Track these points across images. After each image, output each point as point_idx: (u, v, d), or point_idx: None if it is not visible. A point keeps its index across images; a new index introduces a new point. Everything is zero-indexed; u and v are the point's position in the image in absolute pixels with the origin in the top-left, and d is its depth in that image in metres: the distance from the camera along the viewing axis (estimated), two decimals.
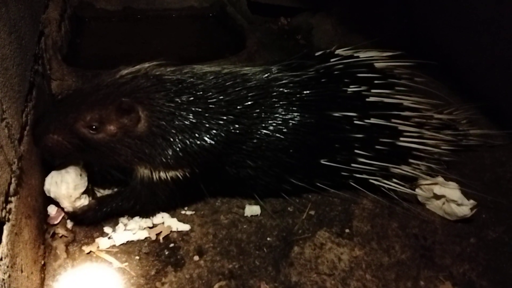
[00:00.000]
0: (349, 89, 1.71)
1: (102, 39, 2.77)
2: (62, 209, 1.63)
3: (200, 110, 1.56)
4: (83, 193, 1.61)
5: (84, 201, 1.62)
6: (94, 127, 1.49)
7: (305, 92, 1.68)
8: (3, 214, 1.17)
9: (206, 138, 1.56)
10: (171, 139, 1.53)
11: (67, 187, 1.56)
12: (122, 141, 1.52)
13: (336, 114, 1.68)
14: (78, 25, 2.76)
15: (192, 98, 1.56)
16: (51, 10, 2.27)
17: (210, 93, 1.59)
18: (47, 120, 1.52)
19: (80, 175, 1.59)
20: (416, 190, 1.80)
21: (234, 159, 1.63)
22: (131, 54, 2.57)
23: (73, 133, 1.50)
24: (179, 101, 1.54)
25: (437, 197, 1.75)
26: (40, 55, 1.89)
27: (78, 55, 2.51)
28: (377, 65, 1.80)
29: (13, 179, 1.29)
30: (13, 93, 1.38)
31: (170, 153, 1.54)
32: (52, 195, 1.58)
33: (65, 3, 2.56)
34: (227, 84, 1.63)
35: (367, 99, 1.72)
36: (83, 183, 1.60)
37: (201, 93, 1.58)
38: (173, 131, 1.53)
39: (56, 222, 1.62)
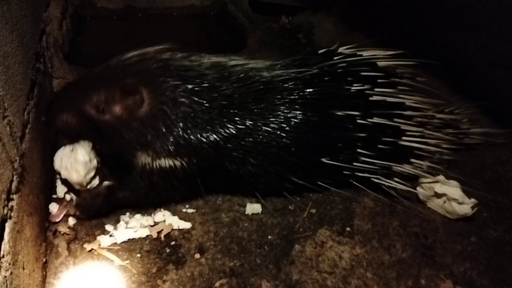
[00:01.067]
0: (352, 88, 1.71)
1: (103, 37, 2.77)
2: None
3: (203, 100, 1.56)
4: (94, 175, 1.63)
5: (95, 181, 1.64)
6: (100, 108, 1.51)
7: (308, 90, 1.68)
8: (5, 212, 1.18)
9: (206, 129, 1.56)
10: (172, 125, 1.53)
11: (78, 175, 1.58)
12: (126, 124, 1.53)
13: (339, 113, 1.68)
14: (79, 24, 2.76)
15: (197, 88, 1.56)
16: (53, 9, 2.27)
17: (215, 85, 1.59)
18: (58, 101, 1.56)
19: (90, 160, 1.59)
20: (417, 188, 1.80)
21: (234, 154, 1.62)
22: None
23: (81, 114, 1.52)
24: (184, 88, 1.55)
25: (438, 195, 1.75)
26: (42, 53, 1.89)
27: (79, 53, 2.52)
28: (380, 64, 1.80)
29: (15, 177, 1.29)
30: (15, 91, 1.39)
31: (170, 139, 1.54)
32: (62, 176, 1.60)
33: (66, 1, 2.56)
34: (232, 78, 1.63)
35: (370, 98, 1.72)
36: (93, 168, 1.61)
37: (206, 83, 1.58)
38: (175, 117, 1.53)
39: (57, 220, 1.63)
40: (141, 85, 1.50)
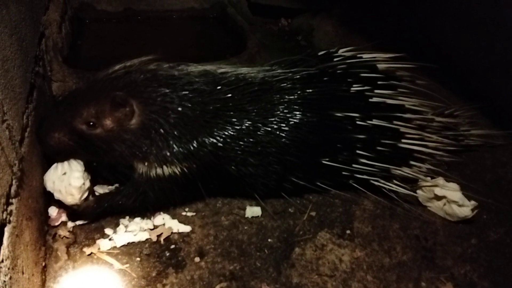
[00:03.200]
0: (351, 89, 1.71)
1: (102, 40, 2.78)
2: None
3: (195, 105, 1.56)
4: (87, 194, 1.62)
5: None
6: (91, 123, 1.50)
7: (307, 90, 1.68)
8: (4, 216, 1.17)
9: (202, 134, 1.57)
10: (166, 134, 1.54)
11: (73, 199, 1.57)
12: (119, 137, 1.53)
13: (338, 114, 1.68)
14: (78, 27, 2.76)
15: (187, 94, 1.57)
16: (52, 12, 2.27)
17: (205, 90, 1.59)
18: (48, 120, 1.55)
19: (83, 183, 1.58)
20: (417, 191, 1.80)
21: (233, 155, 1.62)
22: (131, 55, 2.57)
23: (72, 131, 1.52)
24: (174, 96, 1.55)
25: (438, 198, 1.75)
26: (41, 56, 1.89)
27: (78, 56, 2.51)
28: (380, 66, 1.80)
29: (14, 181, 1.29)
30: (14, 94, 1.38)
31: (166, 148, 1.54)
32: (55, 197, 1.58)
33: (65, 4, 2.56)
34: (223, 82, 1.63)
35: (370, 100, 1.72)
36: (86, 189, 1.60)
37: (196, 90, 1.58)
38: (167, 125, 1.54)
39: (57, 224, 1.62)
40: (130, 97, 1.50)
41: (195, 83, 1.59)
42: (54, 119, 1.54)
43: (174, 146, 1.55)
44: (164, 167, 1.57)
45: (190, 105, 1.56)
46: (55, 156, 1.59)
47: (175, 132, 1.54)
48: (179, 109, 1.55)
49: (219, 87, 1.61)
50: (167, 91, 1.55)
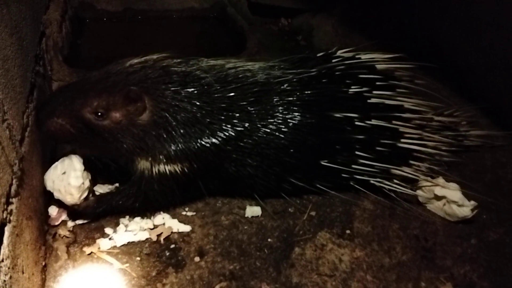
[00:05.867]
0: (350, 90, 1.71)
1: (102, 40, 2.78)
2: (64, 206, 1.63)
3: (203, 104, 1.57)
4: (87, 193, 1.62)
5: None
6: (100, 113, 1.50)
7: (306, 91, 1.68)
8: (4, 216, 1.17)
9: (206, 133, 1.57)
10: (173, 132, 1.54)
11: (72, 198, 1.57)
12: (126, 130, 1.53)
13: (337, 115, 1.68)
14: (79, 26, 2.77)
15: (196, 91, 1.57)
16: (52, 11, 2.27)
17: (214, 88, 1.60)
18: (52, 104, 1.52)
19: (83, 183, 1.58)
20: (417, 191, 1.80)
21: (233, 156, 1.63)
22: (131, 55, 2.57)
23: (78, 119, 1.50)
24: (184, 94, 1.56)
25: (438, 198, 1.75)
26: (41, 56, 1.89)
27: (79, 56, 2.52)
28: (379, 66, 1.80)
29: (14, 180, 1.29)
30: (15, 94, 1.38)
31: (171, 145, 1.55)
32: (55, 197, 1.59)
33: (66, 4, 2.56)
34: (229, 79, 1.64)
35: (369, 100, 1.72)
36: (86, 188, 1.60)
37: (205, 87, 1.59)
38: (175, 123, 1.54)
39: (57, 223, 1.62)
40: (143, 93, 1.50)
41: (204, 79, 1.60)
42: (59, 105, 1.50)
43: (178, 144, 1.55)
44: (166, 164, 1.57)
45: (198, 103, 1.57)
46: (53, 141, 1.57)
47: (181, 130, 1.55)
48: (188, 107, 1.55)
49: (225, 85, 1.62)
50: (178, 88, 1.55)
